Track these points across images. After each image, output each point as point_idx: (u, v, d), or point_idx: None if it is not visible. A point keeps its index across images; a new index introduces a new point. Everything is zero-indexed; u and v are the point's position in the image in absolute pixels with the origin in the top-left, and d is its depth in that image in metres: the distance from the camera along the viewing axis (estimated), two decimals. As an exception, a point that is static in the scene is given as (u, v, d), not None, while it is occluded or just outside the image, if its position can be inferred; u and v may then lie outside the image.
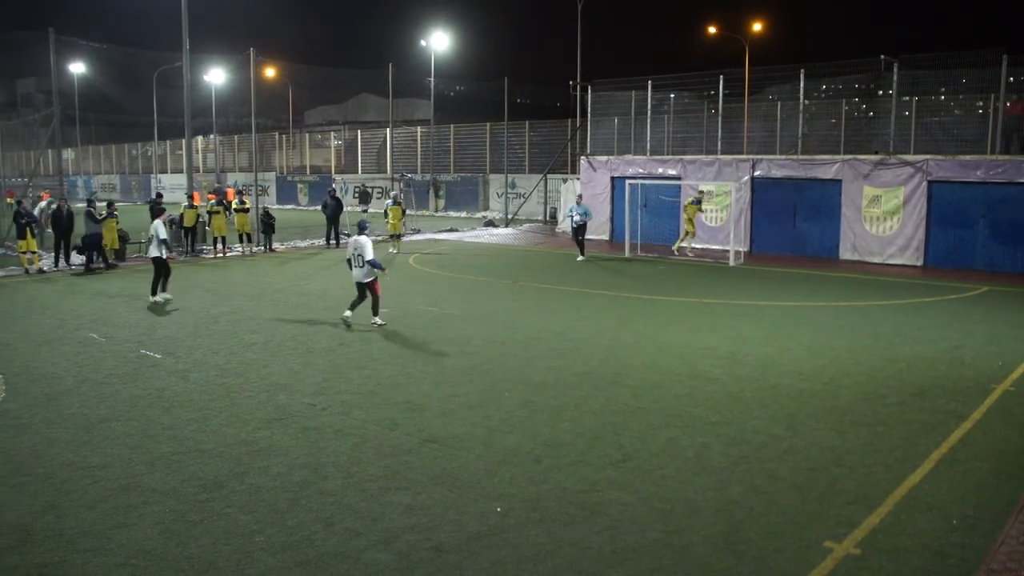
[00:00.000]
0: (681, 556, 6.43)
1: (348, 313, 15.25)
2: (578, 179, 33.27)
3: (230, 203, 27.88)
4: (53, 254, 23.90)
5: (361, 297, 15.16)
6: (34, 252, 23.06)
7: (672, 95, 31.29)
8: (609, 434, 9.27)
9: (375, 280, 14.99)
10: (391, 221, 28.43)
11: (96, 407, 10.43)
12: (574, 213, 25.20)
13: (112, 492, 7.76)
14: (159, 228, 18.12)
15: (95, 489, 7.84)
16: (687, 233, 26.49)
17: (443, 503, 7.45)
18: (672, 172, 29.24)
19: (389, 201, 29.97)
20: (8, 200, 27.49)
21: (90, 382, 11.62)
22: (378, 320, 15.11)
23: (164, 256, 18.18)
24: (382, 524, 7.03)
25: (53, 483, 8.02)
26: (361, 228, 15.31)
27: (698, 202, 26.36)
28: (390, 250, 26.76)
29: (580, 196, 27.21)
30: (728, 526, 6.94)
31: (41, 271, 22.87)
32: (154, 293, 18.07)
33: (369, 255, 14.75)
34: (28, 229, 22.60)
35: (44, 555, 6.55)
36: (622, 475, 8.08)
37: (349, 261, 15.03)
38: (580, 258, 24.94)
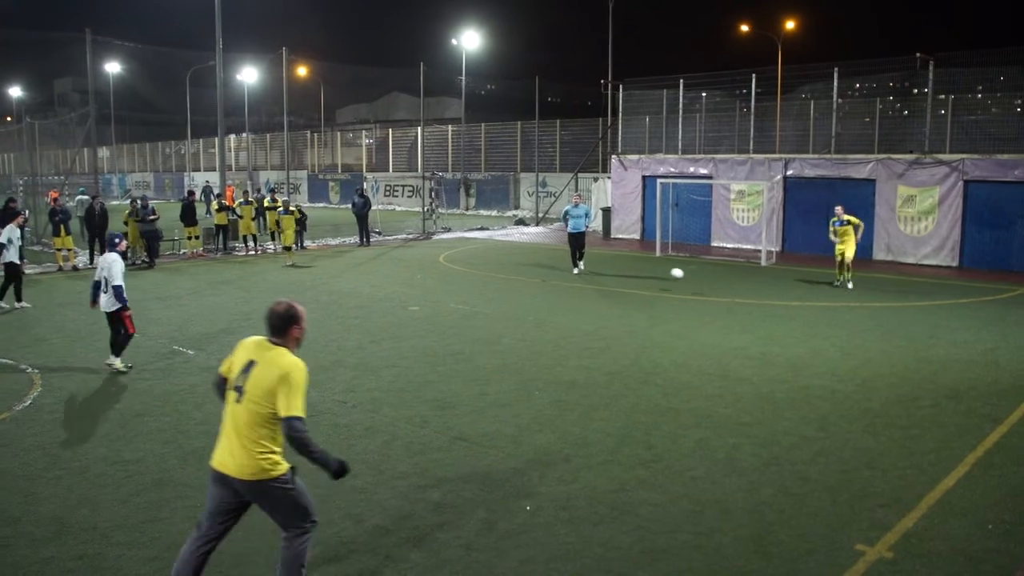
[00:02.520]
0: (711, 558, 6.40)
1: (112, 360, 12.10)
2: (609, 178, 33.20)
3: (252, 202, 27.83)
4: (88, 251, 24.17)
5: (114, 332, 12.03)
6: (70, 249, 23.35)
7: (704, 94, 31.12)
8: (639, 434, 9.24)
9: (124, 310, 11.91)
10: (284, 231, 24.94)
11: (130, 402, 10.55)
12: (571, 216, 21.69)
13: (145, 487, 7.85)
14: (13, 233, 16.83)
15: (129, 483, 7.94)
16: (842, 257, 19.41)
17: (473, 501, 7.46)
18: (704, 171, 29.09)
19: (280, 208, 26.03)
20: (48, 199, 27.89)
21: (124, 377, 11.75)
22: (116, 363, 12.00)
23: (17, 262, 16.83)
24: (412, 521, 7.05)
25: (88, 477, 8.12)
26: (111, 244, 12.23)
27: (843, 223, 19.23)
28: (287, 263, 24.02)
29: (579, 195, 23.78)
30: (759, 528, 6.89)
31: (75, 268, 23.15)
32: (4, 296, 16.76)
33: (117, 279, 11.78)
34: (63, 226, 22.88)
35: (79, 547, 6.64)
36: (652, 475, 8.05)
37: (96, 285, 11.97)
38: (576, 270, 21.71)
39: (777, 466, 8.28)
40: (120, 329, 11.99)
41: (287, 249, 24.79)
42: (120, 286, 11.78)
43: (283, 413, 5.14)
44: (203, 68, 48.33)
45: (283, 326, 5.43)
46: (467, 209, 44.94)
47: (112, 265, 11.82)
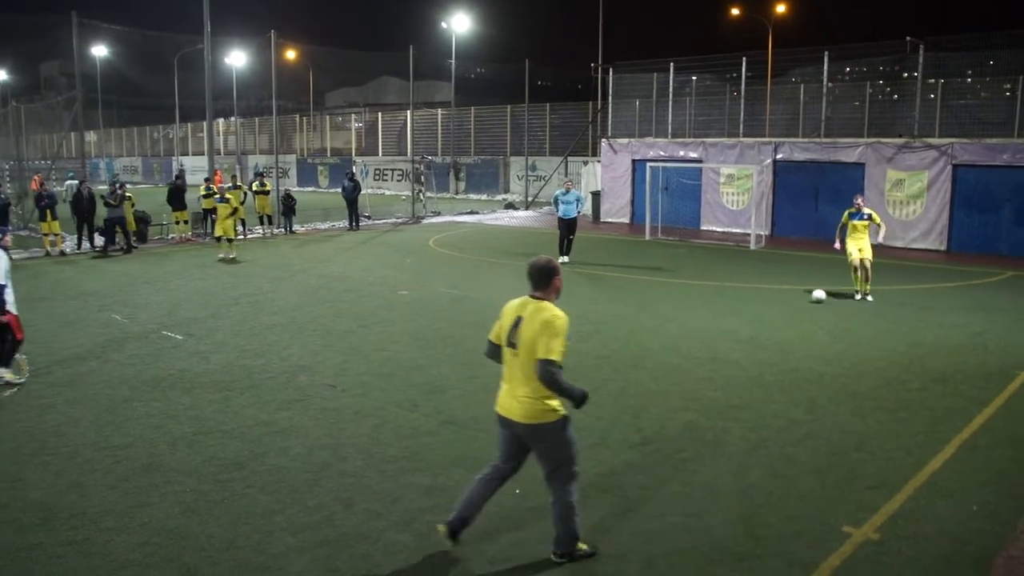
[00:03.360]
0: (700, 540, 6.43)
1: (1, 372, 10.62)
2: (598, 162, 33.15)
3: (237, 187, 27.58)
4: (76, 236, 24.04)
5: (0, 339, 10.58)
6: (56, 234, 23.23)
7: (694, 77, 31.07)
8: (628, 417, 9.26)
9: (5, 314, 10.40)
10: (218, 220, 22.64)
11: (118, 387, 10.52)
12: (562, 202, 20.65)
13: (134, 472, 7.83)
14: None
15: (117, 469, 7.92)
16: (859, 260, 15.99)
17: (462, 485, 7.40)
18: (693, 155, 29.08)
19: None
20: (34, 186, 27.73)
21: (112, 363, 11.71)
22: (5, 374, 10.60)
23: None
24: (401, 505, 7.06)
25: (76, 462, 8.10)
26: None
27: (862, 216, 15.90)
28: (220, 255, 22.15)
29: (570, 180, 22.66)
30: (747, 510, 6.93)
31: (63, 253, 23.04)
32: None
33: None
34: (49, 211, 22.75)
35: (67, 533, 6.63)
36: (641, 458, 8.08)
37: None
38: (564, 259, 20.35)
39: (766, 448, 8.32)
40: (7, 336, 10.56)
41: (218, 240, 22.38)
42: (4, 285, 10.32)
43: (540, 355, 5.63)
44: (191, 51, 47.97)
45: (544, 279, 5.95)
46: (457, 193, 44.85)
47: None
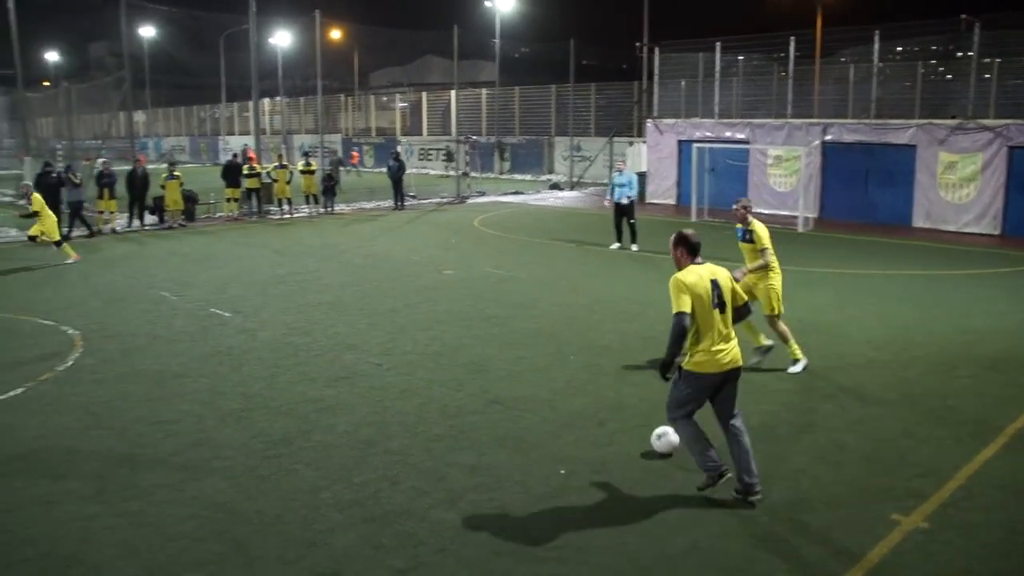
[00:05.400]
0: (745, 523, 6.40)
1: None
2: (644, 142, 32.91)
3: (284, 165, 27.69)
4: (127, 214, 24.39)
5: None
6: (112, 212, 23.58)
7: (741, 57, 30.64)
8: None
9: None
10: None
11: (168, 363, 10.69)
12: (615, 185, 19.78)
13: (184, 446, 7.97)
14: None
15: (168, 443, 8.06)
16: None
17: (507, 464, 7.50)
18: (740, 136, 28.75)
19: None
20: (84, 163, 28.12)
21: (162, 339, 11.90)
22: None
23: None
24: (446, 484, 7.11)
25: (128, 436, 8.26)
26: None
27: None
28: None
29: (623, 161, 22.02)
30: (793, 495, 6.87)
31: (114, 231, 23.40)
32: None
33: None
34: (108, 189, 23.08)
35: (121, 505, 6.77)
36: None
37: None
38: (615, 246, 19.99)
39: (812, 434, 8.24)
40: None
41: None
42: None
43: (740, 302, 6.93)
44: (237, 32, 48.31)
45: (700, 247, 6.93)
46: (501, 173, 44.77)
47: None
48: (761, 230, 10.31)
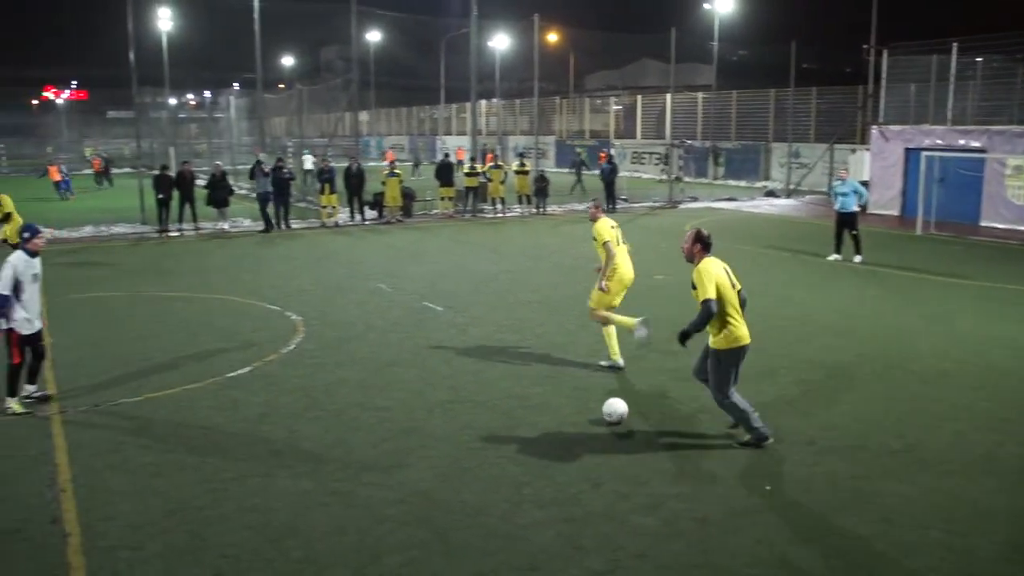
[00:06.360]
0: (963, 560, 5.88)
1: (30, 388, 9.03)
2: (867, 149, 31.31)
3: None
4: (348, 209, 25.64)
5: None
6: (334, 207, 24.88)
7: (979, 59, 28.53)
8: (890, 421, 8.63)
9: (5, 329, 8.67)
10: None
11: (382, 353, 11.10)
12: (838, 194, 18.83)
13: (394, 433, 8.23)
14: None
15: (379, 429, 8.35)
16: None
17: (711, 475, 7.27)
18: (975, 144, 26.79)
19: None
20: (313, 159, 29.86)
21: (377, 329, 12.38)
22: (12, 403, 8.75)
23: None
24: (648, 489, 6.97)
25: (343, 420, 8.62)
26: (20, 238, 9.12)
27: None
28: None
29: (846, 169, 20.75)
30: (1019, 535, 6.27)
31: (336, 224, 24.64)
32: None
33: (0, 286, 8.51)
34: (329, 185, 24.39)
35: (333, 484, 7.06)
36: (902, 466, 7.50)
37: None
38: (833, 257, 18.82)
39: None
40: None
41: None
42: (4, 296, 8.51)
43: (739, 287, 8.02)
44: (458, 35, 49.83)
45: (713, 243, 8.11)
46: (715, 178, 43.86)
47: (3, 268, 8.63)
48: (602, 229, 10.38)
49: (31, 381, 9.02)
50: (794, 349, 11.36)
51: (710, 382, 7.91)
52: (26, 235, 8.86)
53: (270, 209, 23.42)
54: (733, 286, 7.85)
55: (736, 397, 7.79)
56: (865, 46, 34.89)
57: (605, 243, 10.23)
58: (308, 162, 33.68)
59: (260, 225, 23.70)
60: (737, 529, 6.31)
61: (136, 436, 8.23)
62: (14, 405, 8.73)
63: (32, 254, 8.78)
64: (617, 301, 10.47)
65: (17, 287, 8.60)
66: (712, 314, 7.56)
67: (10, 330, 8.62)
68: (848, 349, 11.35)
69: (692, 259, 7.97)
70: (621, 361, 10.42)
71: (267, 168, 23.95)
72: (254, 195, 23.77)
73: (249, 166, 28.05)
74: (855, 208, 18.68)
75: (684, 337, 7.74)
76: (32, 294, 8.71)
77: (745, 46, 54.72)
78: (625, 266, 10.42)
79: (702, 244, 7.99)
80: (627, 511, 6.59)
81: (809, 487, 7.03)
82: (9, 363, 8.74)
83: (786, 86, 38.99)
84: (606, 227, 10.36)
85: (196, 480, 7.18)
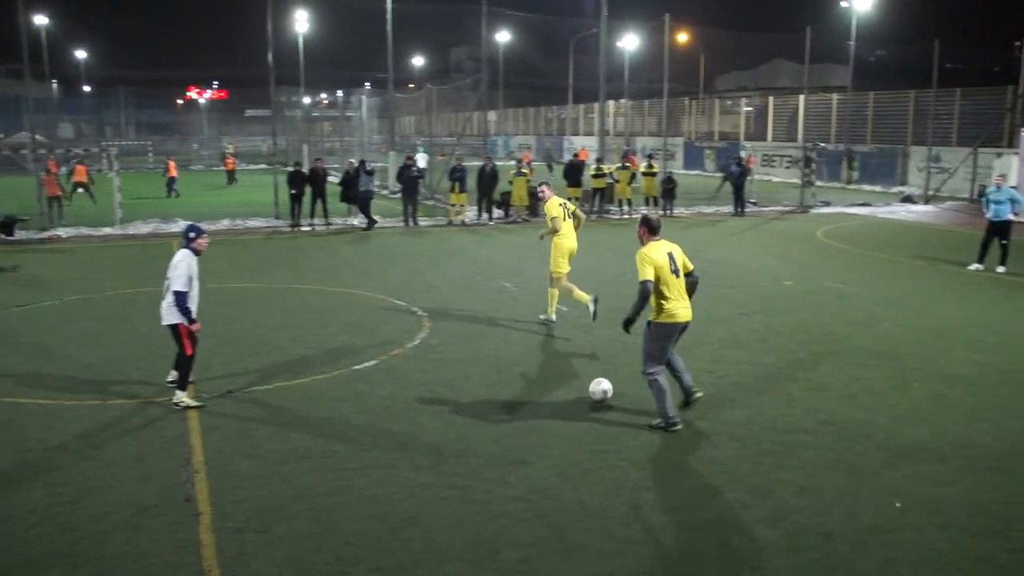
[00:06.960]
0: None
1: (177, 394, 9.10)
2: (1015, 154, 29.80)
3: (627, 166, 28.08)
4: (476, 208, 25.93)
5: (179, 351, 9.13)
6: (462, 205, 25.21)
7: None
8: (1041, 445, 8.18)
9: (184, 324, 8.86)
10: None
11: (506, 350, 11.19)
12: (991, 201, 17.82)
13: (515, 431, 8.28)
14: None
15: (501, 425, 8.43)
16: None
17: (837, 489, 7.05)
18: None
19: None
20: (440, 158, 30.28)
21: (502, 327, 12.49)
22: (184, 398, 8.97)
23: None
24: (772, 501, 6.81)
25: (465, 415, 8.73)
26: (185, 237, 9.14)
27: None
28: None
29: (1003, 175, 19.67)
30: None
31: (464, 223, 24.96)
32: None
33: (177, 284, 8.77)
34: (459, 183, 24.72)
35: (453, 478, 7.16)
36: (1051, 491, 7.11)
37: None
38: (975, 266, 17.83)
39: None
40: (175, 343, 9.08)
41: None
42: (182, 293, 8.79)
43: (689, 269, 8.64)
44: (587, 35, 49.78)
45: (660, 227, 8.64)
46: (848, 183, 42.48)
47: (177, 265, 8.87)
48: (551, 207, 12.75)
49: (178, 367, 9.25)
50: (930, 361, 10.90)
51: (641, 352, 8.43)
52: (192, 235, 9.07)
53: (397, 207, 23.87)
54: (676, 270, 8.31)
55: (660, 378, 8.25)
56: (1018, 43, 33.19)
57: (552, 219, 12.48)
58: (422, 160, 34.15)
59: (391, 221, 24.22)
60: (864, 547, 6.10)
61: (266, 423, 8.54)
62: (186, 399, 8.98)
63: (196, 253, 9.03)
64: (566, 268, 12.51)
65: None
66: (647, 294, 8.08)
67: (179, 324, 8.85)
68: (992, 364, 10.80)
69: (642, 242, 8.50)
70: (555, 317, 12.64)
71: (370, 167, 24.73)
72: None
73: (378, 164, 28.69)
74: (1010, 216, 17.62)
75: (627, 324, 8.35)
76: (195, 291, 9.03)
77: (883, 45, 52.74)
78: (570, 238, 12.60)
79: (648, 228, 8.52)
80: (749, 521, 6.46)
81: (942, 507, 6.73)
82: (182, 356, 8.95)
83: (927, 87, 37.42)
84: (555, 205, 12.59)
85: (322, 468, 7.40)
